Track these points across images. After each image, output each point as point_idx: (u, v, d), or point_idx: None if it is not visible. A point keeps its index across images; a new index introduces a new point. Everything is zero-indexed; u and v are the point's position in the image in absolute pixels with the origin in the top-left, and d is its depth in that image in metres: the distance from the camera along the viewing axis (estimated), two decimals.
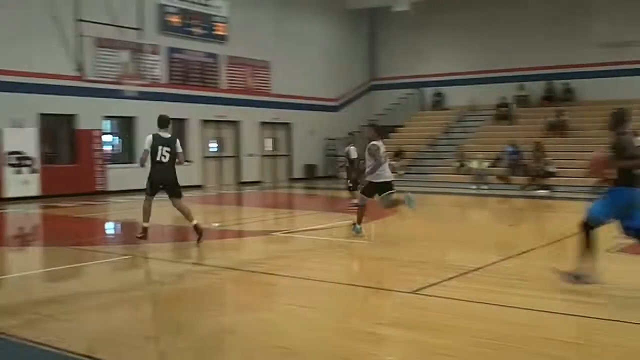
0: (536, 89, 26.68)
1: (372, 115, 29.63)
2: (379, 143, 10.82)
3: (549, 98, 26.23)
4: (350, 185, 15.47)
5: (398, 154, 25.13)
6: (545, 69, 26.42)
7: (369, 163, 10.85)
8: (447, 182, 22.84)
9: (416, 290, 6.81)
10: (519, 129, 24.40)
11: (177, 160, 10.13)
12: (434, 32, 29.21)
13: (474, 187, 21.84)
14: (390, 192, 10.96)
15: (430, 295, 6.64)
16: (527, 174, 20.97)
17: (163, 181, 10.07)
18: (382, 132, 11.55)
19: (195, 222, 10.10)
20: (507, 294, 6.80)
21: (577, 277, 6.69)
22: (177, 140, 10.22)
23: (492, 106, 26.55)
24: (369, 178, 10.95)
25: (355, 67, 30.64)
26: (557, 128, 23.57)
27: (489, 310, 6.10)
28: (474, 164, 22.61)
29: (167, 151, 9.93)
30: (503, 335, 5.27)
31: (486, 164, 22.59)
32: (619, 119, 6.91)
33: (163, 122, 10.14)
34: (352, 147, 16.07)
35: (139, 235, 10.01)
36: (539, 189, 20.15)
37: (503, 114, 26.09)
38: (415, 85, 29.47)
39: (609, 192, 6.73)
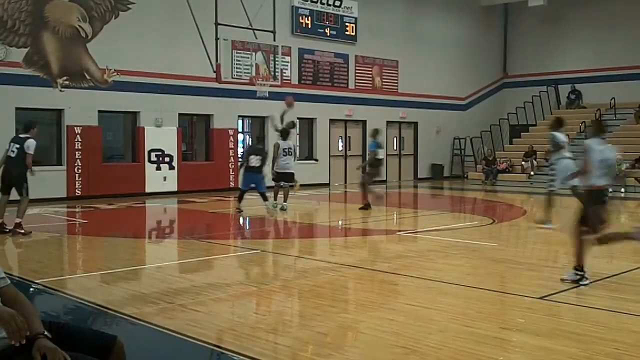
0: None
1: (504, 114, 28.84)
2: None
3: None
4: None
5: (529, 154, 24.33)
6: None
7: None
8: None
9: (545, 296, 6.59)
10: None
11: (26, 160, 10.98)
12: (570, 27, 27.94)
13: (610, 189, 20.73)
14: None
15: (560, 302, 6.39)
16: None
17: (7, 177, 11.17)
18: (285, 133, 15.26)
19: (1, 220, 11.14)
20: None
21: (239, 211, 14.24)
22: (28, 141, 10.99)
23: (634, 105, 25.03)
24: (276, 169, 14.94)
25: (486, 64, 29.91)
26: None
27: (622, 320, 5.79)
28: None
29: (16, 148, 11.00)
30: (635, 347, 4.99)
31: (625, 165, 21.36)
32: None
33: (26, 127, 11.38)
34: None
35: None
36: None
37: None
38: (550, 82, 28.31)
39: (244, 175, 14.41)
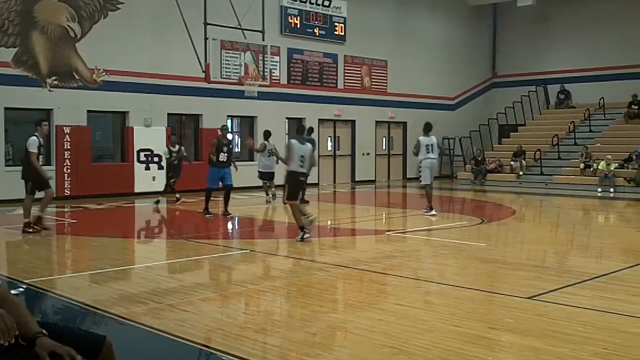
0: None
1: (493, 113, 28.93)
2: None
3: None
4: None
5: (518, 154, 24.43)
6: None
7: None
8: (571, 184, 21.92)
9: (533, 296, 6.61)
10: None
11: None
12: (559, 27, 28.08)
13: (599, 189, 20.84)
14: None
15: (548, 302, 6.41)
16: None
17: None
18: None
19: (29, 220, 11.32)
20: (632, 303, 6.48)
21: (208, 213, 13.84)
22: (30, 139, 11.20)
23: (623, 104, 25.17)
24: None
25: (475, 64, 30.00)
26: None
27: (610, 320, 5.82)
28: (601, 165, 21.56)
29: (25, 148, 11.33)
30: (624, 347, 5.02)
31: (614, 165, 21.47)
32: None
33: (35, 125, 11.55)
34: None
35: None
36: None
37: (635, 112, 24.64)
38: (539, 82, 28.43)
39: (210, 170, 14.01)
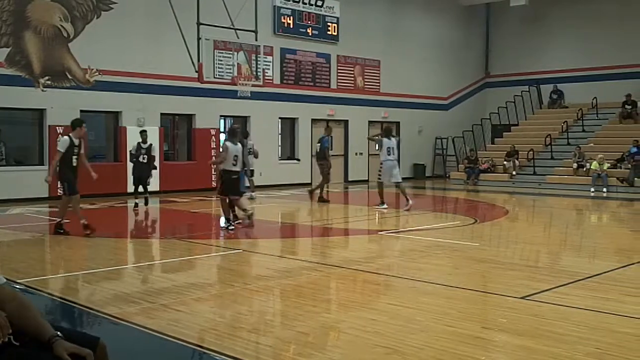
0: None
1: (486, 113, 28.99)
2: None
3: None
4: None
5: (511, 154, 24.47)
6: None
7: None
8: (564, 183, 21.99)
9: (527, 296, 6.62)
10: None
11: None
12: (552, 26, 28.17)
13: (592, 189, 20.89)
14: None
15: (542, 302, 6.42)
16: None
17: None
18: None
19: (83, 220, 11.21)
20: (625, 303, 6.49)
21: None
22: (60, 138, 11.36)
23: (616, 104, 25.24)
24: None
25: (468, 64, 30.05)
26: None
27: (603, 320, 5.84)
28: (593, 165, 21.61)
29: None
30: (617, 347, 5.03)
31: (607, 165, 21.53)
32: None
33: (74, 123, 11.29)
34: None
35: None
36: None
37: (628, 112, 24.71)
38: (532, 82, 28.49)
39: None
